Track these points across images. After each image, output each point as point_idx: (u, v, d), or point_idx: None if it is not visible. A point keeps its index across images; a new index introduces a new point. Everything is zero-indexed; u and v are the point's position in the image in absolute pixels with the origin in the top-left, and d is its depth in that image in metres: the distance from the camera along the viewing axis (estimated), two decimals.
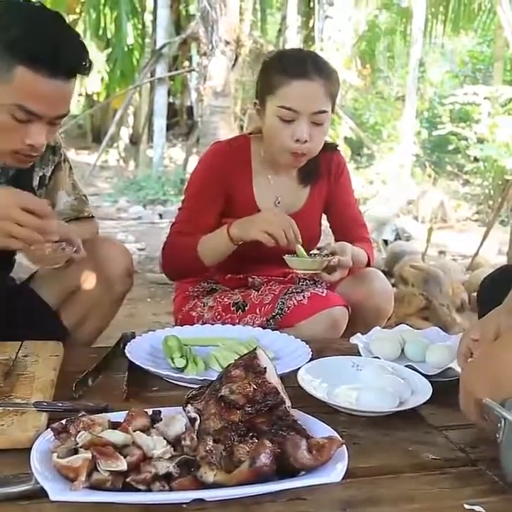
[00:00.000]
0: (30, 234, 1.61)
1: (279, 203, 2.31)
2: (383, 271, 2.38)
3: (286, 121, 2.13)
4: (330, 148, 2.28)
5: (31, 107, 1.68)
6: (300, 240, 2.07)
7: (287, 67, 2.13)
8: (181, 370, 1.62)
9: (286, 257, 2.08)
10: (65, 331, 2.13)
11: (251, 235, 2.06)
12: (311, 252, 2.17)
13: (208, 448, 1.08)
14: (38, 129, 1.72)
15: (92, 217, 2.27)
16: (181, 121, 17.98)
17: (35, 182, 2.08)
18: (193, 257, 2.16)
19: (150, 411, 1.21)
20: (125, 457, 1.06)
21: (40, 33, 1.66)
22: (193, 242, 2.16)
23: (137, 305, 4.73)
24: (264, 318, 2.14)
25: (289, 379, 1.49)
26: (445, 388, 1.59)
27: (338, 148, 2.43)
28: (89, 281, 2.12)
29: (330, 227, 2.50)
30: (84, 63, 1.74)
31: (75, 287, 2.15)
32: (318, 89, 2.12)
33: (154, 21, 13.72)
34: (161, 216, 9.50)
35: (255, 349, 1.30)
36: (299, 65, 2.13)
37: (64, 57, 1.66)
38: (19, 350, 1.67)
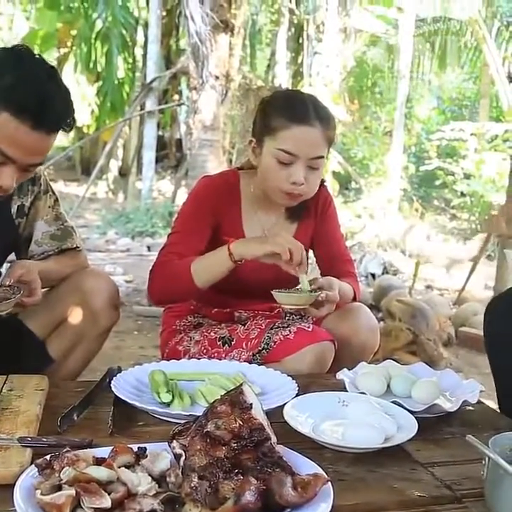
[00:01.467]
0: None
1: (266, 236, 2.31)
2: (370, 305, 2.40)
3: (283, 164, 2.14)
4: None
5: (8, 152, 1.71)
6: (307, 270, 2.05)
7: (289, 110, 2.15)
8: (167, 404, 1.61)
9: (274, 292, 2.07)
10: (51, 361, 2.13)
11: (258, 251, 2.02)
12: (299, 287, 2.17)
13: (192, 485, 1.08)
14: (9, 172, 1.75)
15: (79, 249, 2.27)
16: (170, 154, 18.06)
17: (13, 210, 2.09)
18: (184, 276, 2.10)
19: (135, 447, 1.20)
20: (109, 494, 1.05)
21: (32, 86, 1.69)
22: (186, 261, 2.12)
23: (124, 338, 4.71)
24: (251, 353, 2.13)
25: (275, 414, 1.49)
26: (431, 424, 1.60)
27: (324, 183, 2.44)
28: (74, 313, 2.13)
29: (316, 262, 2.51)
30: (68, 120, 1.78)
31: (62, 319, 2.15)
32: (318, 135, 2.13)
33: (145, 55, 13.85)
34: (149, 248, 9.50)
35: (241, 385, 1.30)
36: (301, 110, 2.14)
37: (49, 113, 1.70)
38: (4, 384, 1.66)
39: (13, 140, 1.69)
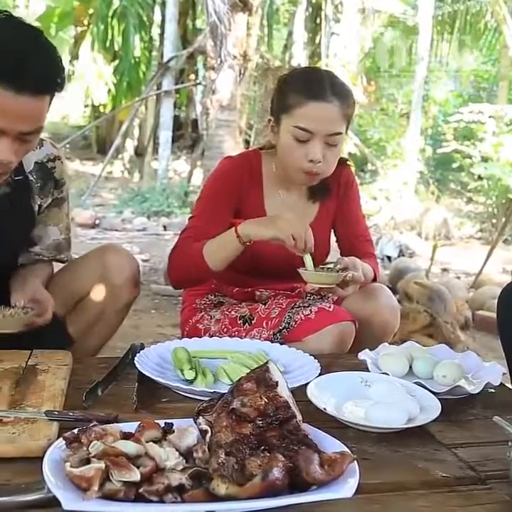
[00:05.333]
0: None
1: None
2: (386, 287, 2.39)
3: (300, 141, 2.13)
4: (340, 162, 2.28)
5: None
6: (312, 250, 2.03)
7: (305, 87, 2.14)
8: (190, 382, 1.62)
9: (301, 270, 2.06)
10: (70, 339, 2.14)
11: (263, 233, 2.01)
12: (324, 266, 2.16)
13: (220, 461, 1.08)
14: (4, 145, 1.66)
15: (66, 261, 2.27)
16: (186, 134, 18.01)
17: (36, 208, 2.07)
18: (198, 260, 2.10)
19: (161, 422, 1.21)
20: (137, 468, 1.06)
21: (7, 49, 1.59)
22: (199, 245, 2.12)
23: (142, 316, 4.73)
24: (271, 332, 2.14)
25: (298, 393, 1.49)
26: (453, 406, 1.60)
27: (347, 162, 2.43)
28: (95, 288, 2.13)
29: (336, 241, 2.50)
30: (53, 79, 1.67)
31: (82, 295, 2.16)
32: (335, 111, 2.12)
33: (162, 34, 13.83)
34: (165, 228, 9.52)
35: (267, 363, 1.30)
36: (317, 86, 2.14)
37: (30, 73, 1.59)
38: (29, 359, 1.67)
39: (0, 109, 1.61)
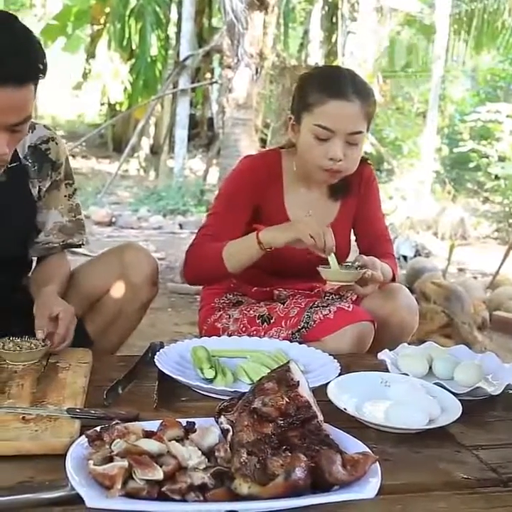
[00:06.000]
0: None
1: (310, 216, 2.29)
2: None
3: (321, 140, 2.13)
4: (361, 160, 2.27)
5: None
6: (334, 250, 2.03)
7: (326, 85, 2.14)
8: (210, 381, 1.62)
9: (320, 267, 2.06)
10: (88, 339, 2.14)
11: (283, 239, 2.02)
12: (343, 264, 2.15)
13: (242, 460, 1.09)
14: None
15: (81, 246, 2.24)
16: (202, 133, 18.05)
17: (35, 193, 2.05)
18: (216, 260, 2.11)
19: (183, 421, 1.21)
20: (160, 467, 1.06)
21: None
22: (219, 246, 2.12)
23: (158, 315, 4.74)
24: (290, 332, 2.14)
25: (317, 393, 1.48)
26: (473, 407, 1.59)
27: (368, 161, 2.42)
28: (114, 288, 2.13)
29: (355, 240, 2.50)
30: (35, 67, 1.65)
31: (100, 295, 2.16)
32: (356, 110, 2.12)
33: (178, 33, 13.84)
34: (181, 226, 9.54)
35: (288, 362, 1.30)
36: (339, 84, 2.13)
37: (9, 65, 1.57)
38: (50, 356, 1.68)
39: None
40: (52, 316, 1.80)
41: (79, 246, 2.23)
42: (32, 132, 2.01)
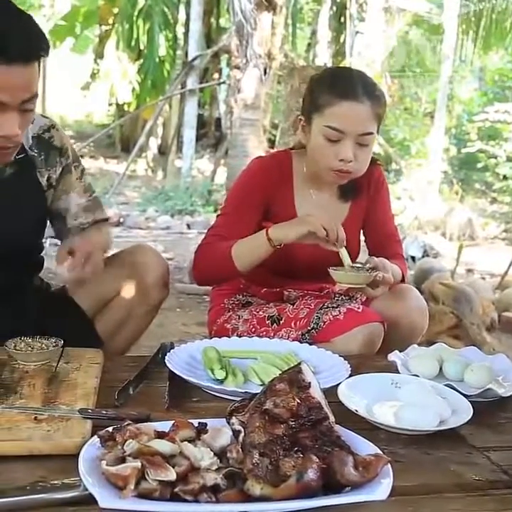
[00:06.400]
0: None
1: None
2: None
3: (331, 141, 2.13)
4: (371, 161, 2.27)
5: None
6: (345, 243, 2.03)
7: (337, 87, 2.14)
8: (221, 381, 1.63)
9: (331, 269, 2.05)
10: (99, 339, 2.14)
11: (294, 234, 2.01)
12: (354, 266, 2.15)
13: (254, 461, 1.09)
14: (7, 119, 1.70)
15: (107, 219, 2.26)
16: (209, 133, 18.07)
17: (43, 182, 2.07)
18: (225, 260, 2.11)
19: (195, 422, 1.22)
20: (172, 467, 1.07)
21: None
22: (228, 245, 2.12)
23: (167, 315, 4.74)
24: (299, 333, 2.14)
25: (327, 394, 1.48)
26: (484, 409, 1.58)
27: (378, 162, 2.42)
28: (125, 289, 2.13)
29: (365, 241, 2.50)
30: (39, 45, 1.72)
31: (111, 296, 2.16)
32: (367, 111, 2.12)
33: (186, 33, 13.86)
34: (188, 226, 9.54)
35: (300, 363, 1.30)
36: (349, 85, 2.13)
37: (15, 43, 1.64)
38: (61, 356, 1.68)
39: None
40: (71, 249, 1.85)
41: (106, 220, 2.24)
42: (32, 123, 2.01)
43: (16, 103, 1.69)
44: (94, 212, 2.19)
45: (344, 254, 2.05)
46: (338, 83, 2.16)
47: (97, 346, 1.98)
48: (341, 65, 12.24)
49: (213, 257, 2.17)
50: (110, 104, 16.34)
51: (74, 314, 2.15)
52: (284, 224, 2.08)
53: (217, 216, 2.32)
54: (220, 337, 2.00)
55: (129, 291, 2.12)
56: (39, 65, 1.73)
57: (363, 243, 2.49)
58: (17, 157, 1.95)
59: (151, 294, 2.13)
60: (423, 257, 7.67)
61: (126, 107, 15.24)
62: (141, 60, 14.19)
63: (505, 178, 11.69)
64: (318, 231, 1.97)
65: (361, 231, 2.45)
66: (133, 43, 13.92)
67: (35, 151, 2.04)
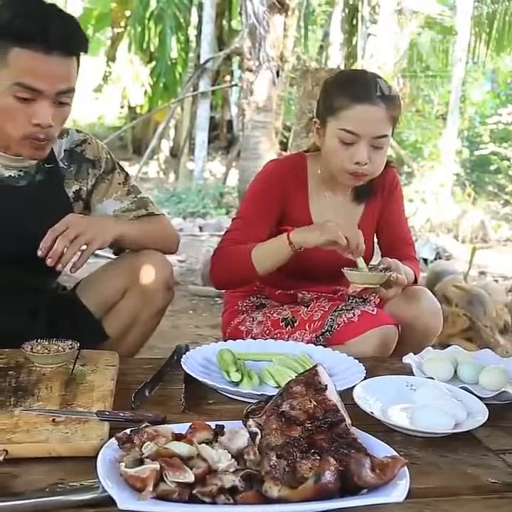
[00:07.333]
0: None
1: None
2: None
3: (346, 144, 2.13)
4: (385, 163, 2.27)
5: (30, 83, 1.74)
6: (363, 252, 2.04)
7: (351, 90, 2.14)
8: (236, 384, 1.63)
9: (345, 269, 2.05)
10: (105, 335, 2.14)
11: (316, 240, 2.01)
12: (368, 266, 2.15)
13: (271, 463, 1.09)
14: (42, 107, 1.78)
15: (154, 213, 2.24)
16: (221, 135, 18.07)
17: (70, 194, 2.09)
18: (245, 262, 2.12)
19: (212, 424, 1.22)
20: (190, 469, 1.07)
21: (29, 14, 1.74)
22: (246, 248, 2.13)
23: (180, 317, 4.75)
24: (314, 335, 2.14)
25: (343, 397, 1.49)
26: (499, 411, 1.59)
27: (392, 164, 2.42)
28: (128, 293, 2.13)
29: (378, 243, 2.50)
30: (78, 40, 1.81)
31: (117, 299, 2.16)
32: (381, 113, 2.12)
33: (198, 36, 13.87)
34: (201, 229, 9.55)
35: (316, 366, 1.31)
36: (364, 88, 2.13)
37: (55, 34, 1.72)
38: (77, 359, 1.69)
39: (30, 69, 1.73)
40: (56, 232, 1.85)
41: (154, 215, 2.22)
42: (66, 137, 2.09)
43: (53, 93, 1.77)
44: (135, 211, 2.18)
45: (360, 262, 2.05)
46: (353, 86, 2.16)
47: (104, 340, 2.05)
48: (354, 67, 12.24)
49: (231, 260, 2.18)
50: (122, 107, 16.34)
51: (81, 313, 2.16)
52: (306, 229, 2.09)
53: (233, 219, 2.32)
54: (234, 339, 2.00)
55: (133, 295, 2.11)
56: (78, 62, 1.83)
57: (376, 244, 2.49)
58: (47, 166, 2.02)
59: (156, 298, 2.12)
60: (435, 259, 7.66)
61: (138, 110, 15.26)
62: (153, 63, 14.22)
63: None
64: (340, 240, 1.98)
65: (375, 232, 2.45)
66: (145, 46, 13.96)
67: (65, 163, 2.08)
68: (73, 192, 2.10)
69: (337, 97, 2.15)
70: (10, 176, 1.97)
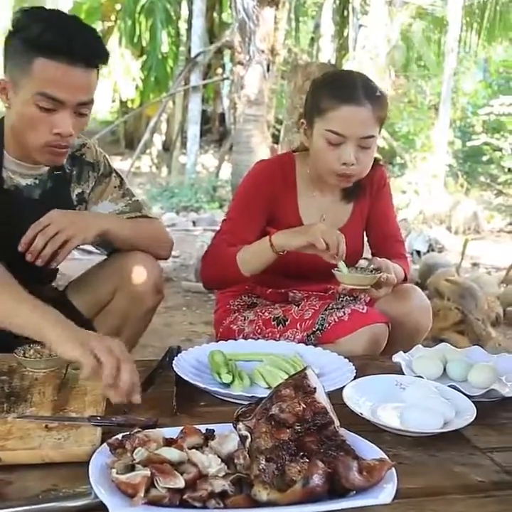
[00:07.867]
0: None
1: (324, 219, 2.32)
2: (416, 283, 2.39)
3: (333, 144, 2.14)
4: (373, 162, 2.28)
5: (52, 93, 1.79)
6: (344, 257, 2.03)
7: (338, 91, 2.15)
8: (227, 385, 1.65)
9: (335, 271, 2.06)
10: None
11: (296, 243, 2.02)
12: (357, 266, 2.16)
13: (261, 467, 1.11)
14: (63, 117, 1.83)
15: (146, 216, 2.26)
16: (213, 129, 18.05)
17: (74, 197, 2.14)
18: (231, 265, 2.14)
19: (203, 428, 1.24)
20: (181, 474, 1.09)
21: (56, 28, 1.80)
22: (233, 250, 2.15)
23: (173, 314, 4.76)
24: (305, 334, 2.16)
25: (333, 396, 1.50)
26: (487, 409, 1.60)
27: (380, 162, 2.44)
28: (118, 296, 2.14)
29: (368, 241, 2.51)
30: (100, 53, 1.87)
31: (106, 300, 2.17)
32: (368, 114, 2.13)
33: (189, 29, 13.84)
34: (194, 223, 9.56)
35: (305, 368, 1.32)
36: (350, 89, 2.14)
37: (79, 47, 1.79)
38: (69, 363, 1.70)
39: (54, 80, 1.79)
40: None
41: (147, 217, 2.25)
42: None
43: (74, 103, 1.83)
44: (129, 213, 2.21)
45: (342, 266, 2.05)
46: (339, 87, 2.17)
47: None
48: (346, 59, 12.23)
49: (219, 262, 2.20)
50: (114, 101, 16.30)
51: (72, 315, 2.16)
52: (288, 231, 2.09)
53: (223, 221, 2.34)
54: (226, 338, 2.02)
55: (122, 297, 2.12)
56: (98, 73, 1.89)
57: (365, 243, 2.50)
58: (56, 173, 2.08)
59: (144, 300, 2.14)
60: (428, 251, 7.68)
61: (129, 104, 15.22)
62: (144, 57, 14.18)
63: (510, 170, 11.67)
64: (317, 242, 1.98)
65: (364, 231, 2.47)
66: (136, 40, 13.93)
67: (69, 168, 2.13)
68: (76, 195, 2.15)
69: (324, 98, 2.16)
70: (27, 184, 2.03)
